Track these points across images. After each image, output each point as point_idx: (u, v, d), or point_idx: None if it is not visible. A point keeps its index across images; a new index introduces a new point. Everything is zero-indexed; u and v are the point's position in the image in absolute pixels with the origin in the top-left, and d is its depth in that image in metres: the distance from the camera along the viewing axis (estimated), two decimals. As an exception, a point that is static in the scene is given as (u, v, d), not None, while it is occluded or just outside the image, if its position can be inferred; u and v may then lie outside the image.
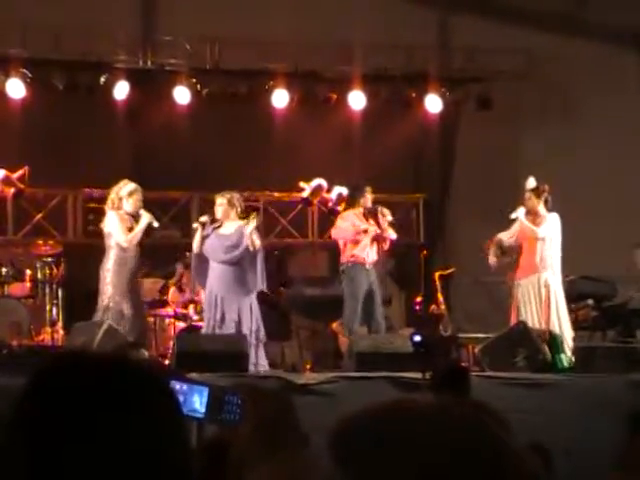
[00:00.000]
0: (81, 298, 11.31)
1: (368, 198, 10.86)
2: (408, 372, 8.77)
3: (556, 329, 10.20)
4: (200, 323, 10.74)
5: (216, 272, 10.08)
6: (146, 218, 9.96)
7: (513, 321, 10.40)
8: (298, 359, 11.30)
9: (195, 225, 10.25)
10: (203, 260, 10.28)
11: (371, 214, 10.87)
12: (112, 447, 1.27)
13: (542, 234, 10.42)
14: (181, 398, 2.15)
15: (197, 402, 2.17)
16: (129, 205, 9.90)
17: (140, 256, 10.03)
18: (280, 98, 13.03)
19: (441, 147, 14.22)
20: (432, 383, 5.80)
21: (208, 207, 10.66)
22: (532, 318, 10.26)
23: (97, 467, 1.27)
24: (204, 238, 10.15)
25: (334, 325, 11.50)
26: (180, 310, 11.64)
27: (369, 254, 10.70)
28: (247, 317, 9.98)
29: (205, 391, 2.17)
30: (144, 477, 1.29)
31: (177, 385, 2.16)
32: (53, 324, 11.29)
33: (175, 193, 12.93)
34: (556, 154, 13.37)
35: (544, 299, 10.30)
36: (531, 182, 10.62)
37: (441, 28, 14.23)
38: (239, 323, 9.97)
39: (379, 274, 10.97)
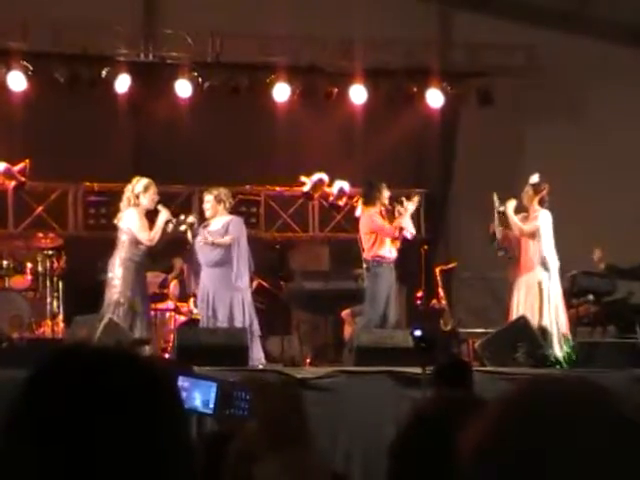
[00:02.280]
0: (82, 291, 11.32)
1: (385, 196, 10.84)
2: (408, 367, 8.76)
3: (548, 325, 10.19)
4: (200, 316, 10.76)
5: (206, 272, 10.17)
6: (164, 215, 10.02)
7: (510, 317, 10.41)
8: (298, 353, 11.31)
9: (183, 227, 10.27)
10: (196, 264, 10.39)
11: (389, 212, 10.87)
12: (113, 443, 1.27)
13: (527, 230, 10.37)
14: (186, 394, 2.14)
15: (198, 399, 2.16)
16: (146, 200, 9.96)
17: (148, 252, 10.07)
18: (281, 92, 13.01)
19: (442, 142, 14.20)
20: (434, 378, 5.79)
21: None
22: (525, 315, 10.26)
23: (97, 462, 1.26)
24: (194, 238, 10.23)
25: (343, 313, 11.49)
26: (180, 304, 11.65)
27: (392, 252, 10.73)
28: (239, 312, 10.03)
29: (214, 386, 2.16)
30: (145, 474, 1.28)
31: (181, 381, 2.15)
32: (54, 317, 11.30)
33: (176, 187, 12.92)
34: (558, 149, 13.36)
35: (537, 296, 10.28)
36: (534, 178, 10.60)
37: (442, 23, 14.22)
38: (231, 319, 10.01)
39: None
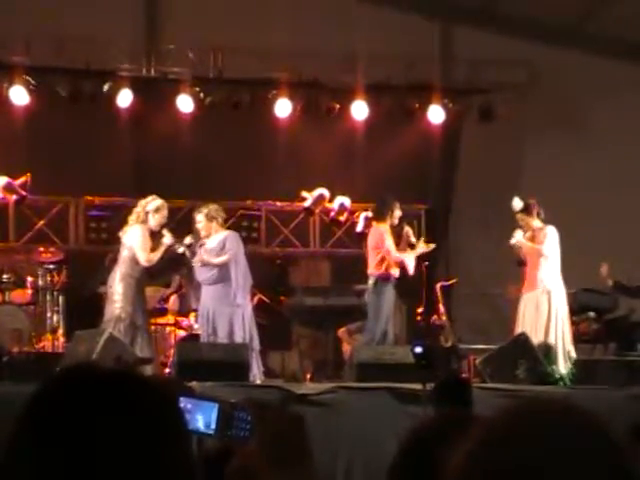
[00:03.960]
0: (82, 305, 11.31)
1: (397, 216, 10.85)
2: (409, 383, 8.75)
3: (553, 342, 10.19)
4: (200, 332, 10.75)
5: (206, 290, 10.18)
6: (168, 240, 10.00)
7: (515, 333, 10.40)
8: (298, 368, 11.30)
9: (182, 249, 10.24)
10: (196, 282, 10.40)
11: (395, 233, 10.87)
12: (115, 458, 1.27)
13: (546, 251, 10.37)
14: (188, 415, 2.13)
15: (200, 420, 2.16)
16: (154, 220, 9.95)
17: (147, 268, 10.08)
18: (283, 107, 13.04)
19: (443, 158, 14.22)
20: (434, 395, 5.78)
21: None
22: (531, 331, 10.25)
23: (99, 476, 1.27)
24: (193, 257, 10.22)
25: (340, 331, 11.50)
26: (180, 319, 11.64)
27: (395, 270, 10.75)
28: (240, 328, 10.01)
29: (215, 407, 2.16)
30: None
31: (183, 403, 2.15)
32: (54, 331, 11.29)
33: (177, 202, 12.92)
34: (558, 165, 13.38)
35: (545, 313, 10.28)
36: (517, 203, 10.52)
37: (444, 39, 14.26)
38: (232, 335, 10.00)
39: None
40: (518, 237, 10.48)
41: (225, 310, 10.05)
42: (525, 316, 10.34)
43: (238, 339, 9.97)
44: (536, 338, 10.18)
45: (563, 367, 10.12)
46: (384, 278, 10.61)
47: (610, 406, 8.64)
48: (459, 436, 1.38)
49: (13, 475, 1.29)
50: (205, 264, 10.12)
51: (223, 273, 10.10)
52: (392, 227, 10.85)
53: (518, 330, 10.33)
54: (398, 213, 10.85)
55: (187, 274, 11.01)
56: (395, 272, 10.71)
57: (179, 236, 10.33)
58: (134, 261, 9.86)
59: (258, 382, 9.68)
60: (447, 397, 5.46)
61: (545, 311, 10.27)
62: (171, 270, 11.70)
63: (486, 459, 1.23)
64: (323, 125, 13.26)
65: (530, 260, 10.46)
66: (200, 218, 10.25)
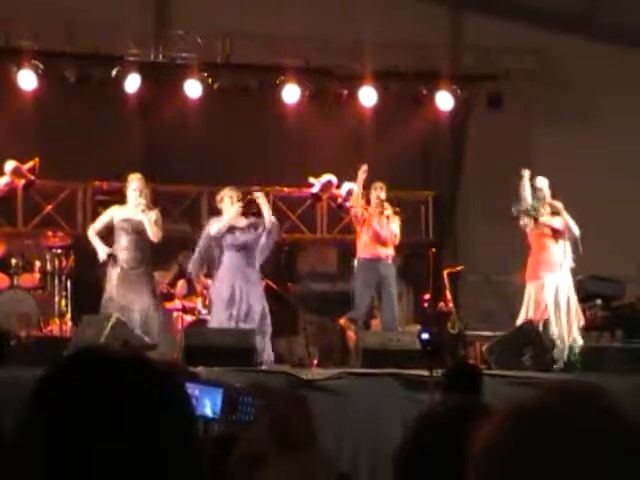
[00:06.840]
0: (90, 290, 11.33)
1: (375, 195, 10.87)
2: (415, 369, 8.77)
3: (566, 328, 10.20)
4: (208, 317, 10.74)
5: (230, 260, 10.06)
6: (154, 214, 10.03)
7: (526, 318, 10.40)
8: (305, 354, 11.32)
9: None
10: (216, 244, 10.24)
11: (381, 214, 10.90)
12: (127, 441, 1.28)
13: (577, 233, 10.45)
14: (195, 401, 2.14)
15: (208, 406, 2.17)
16: (134, 196, 9.99)
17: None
18: (291, 93, 13.02)
19: (451, 144, 14.20)
20: (443, 382, 5.78)
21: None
22: (536, 318, 10.26)
23: (109, 462, 1.28)
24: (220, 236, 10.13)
25: (341, 321, 11.51)
26: (188, 304, 11.65)
27: (380, 250, 10.73)
28: (258, 306, 9.98)
29: (220, 392, 2.17)
30: (156, 474, 1.29)
31: (190, 389, 2.16)
32: (62, 315, 11.31)
33: (185, 187, 12.94)
34: (567, 153, 13.35)
35: (552, 299, 10.29)
36: (544, 181, 10.60)
37: (453, 25, 14.22)
38: (251, 313, 9.95)
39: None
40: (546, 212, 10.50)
41: (250, 287, 9.99)
42: (531, 303, 10.35)
43: (255, 315, 9.90)
44: (541, 325, 10.21)
45: (565, 355, 10.14)
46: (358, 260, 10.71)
47: (617, 393, 8.64)
48: (466, 423, 1.39)
49: (22, 459, 1.30)
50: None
51: (252, 245, 10.11)
52: (372, 212, 10.88)
53: (523, 317, 10.34)
54: (376, 194, 10.87)
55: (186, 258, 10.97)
56: (363, 254, 10.72)
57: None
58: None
59: (264, 367, 9.68)
60: (457, 384, 5.46)
61: (552, 297, 10.29)
62: (172, 256, 11.69)
63: (513, 444, 1.23)
64: (331, 111, 13.25)
65: (536, 247, 10.47)
66: (226, 199, 10.24)
